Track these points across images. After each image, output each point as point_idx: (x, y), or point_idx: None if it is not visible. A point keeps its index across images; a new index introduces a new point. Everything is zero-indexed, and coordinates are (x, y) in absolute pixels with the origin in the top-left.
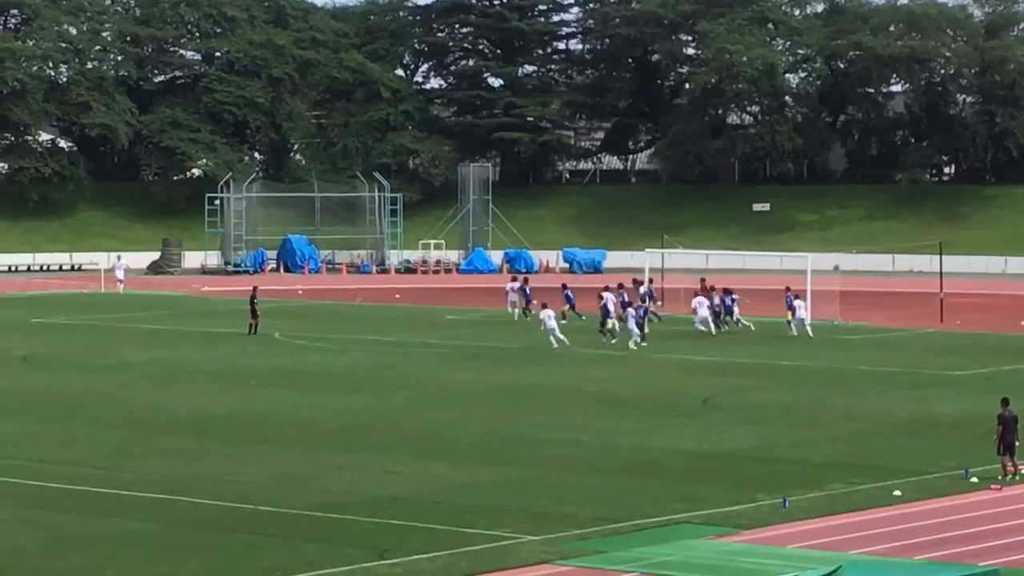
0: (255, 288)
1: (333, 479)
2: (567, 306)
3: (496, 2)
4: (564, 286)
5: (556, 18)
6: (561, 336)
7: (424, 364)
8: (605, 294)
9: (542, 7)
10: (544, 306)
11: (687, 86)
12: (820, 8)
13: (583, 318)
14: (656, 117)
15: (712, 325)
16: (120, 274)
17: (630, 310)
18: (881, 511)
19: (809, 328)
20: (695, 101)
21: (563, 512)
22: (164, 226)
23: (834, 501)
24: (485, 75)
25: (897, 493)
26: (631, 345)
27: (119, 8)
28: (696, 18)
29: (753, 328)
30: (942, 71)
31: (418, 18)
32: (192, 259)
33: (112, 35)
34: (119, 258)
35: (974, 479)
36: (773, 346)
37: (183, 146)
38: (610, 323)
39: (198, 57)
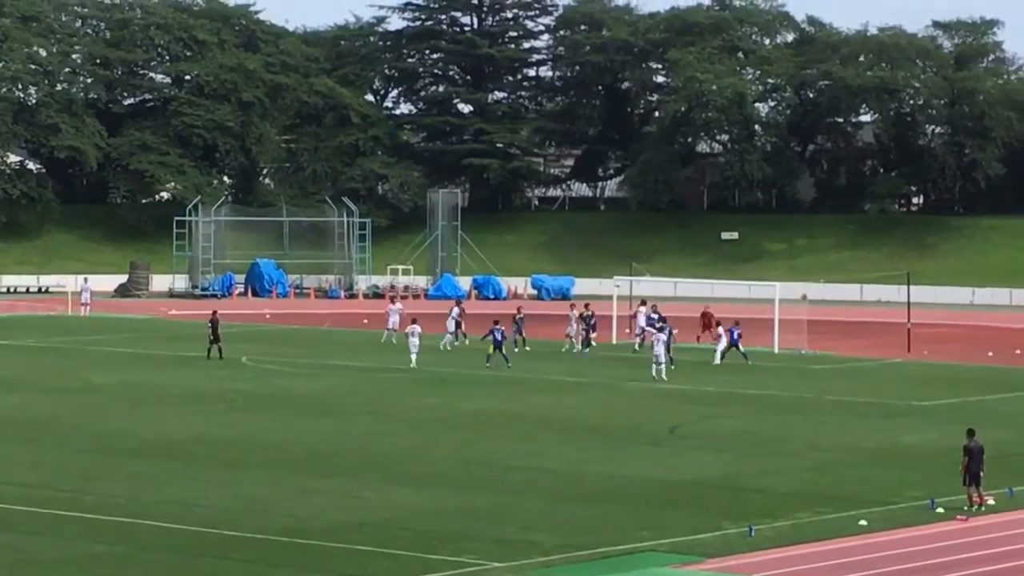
0: (215, 312)
1: (299, 504)
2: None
3: (467, 28)
4: (519, 309)
5: (526, 45)
6: (415, 356)
7: (392, 390)
8: (642, 308)
9: (512, 34)
10: (413, 321)
11: (657, 114)
12: (790, 38)
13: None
14: (625, 145)
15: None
16: (85, 296)
17: (660, 335)
18: (847, 541)
19: (718, 355)
20: (664, 129)
21: (529, 539)
22: (132, 249)
23: (800, 530)
24: (455, 101)
25: (863, 523)
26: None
27: (89, 31)
28: (666, 46)
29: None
30: (911, 102)
31: (388, 43)
32: (160, 282)
33: (82, 57)
34: (85, 281)
35: (940, 509)
36: (741, 375)
37: (152, 169)
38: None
39: (168, 80)
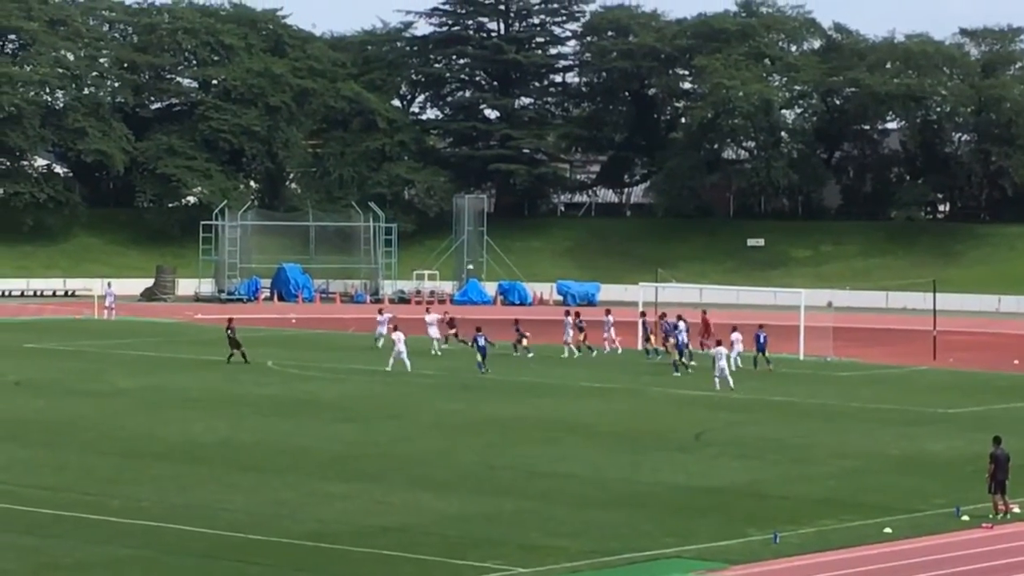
0: (230, 319)
1: (324, 508)
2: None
3: (493, 34)
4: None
5: (553, 51)
6: (403, 359)
7: (416, 394)
8: (679, 323)
9: (539, 40)
10: (395, 328)
11: (683, 120)
12: (817, 45)
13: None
14: (652, 151)
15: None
16: (109, 300)
17: (720, 349)
18: (872, 548)
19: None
20: (691, 135)
21: (554, 545)
22: (158, 253)
23: (825, 538)
24: (482, 107)
25: (888, 530)
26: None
27: (117, 35)
28: (693, 53)
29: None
30: (938, 109)
31: (415, 49)
32: (186, 286)
33: (109, 61)
34: (109, 285)
35: (965, 517)
36: (766, 381)
37: (179, 173)
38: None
39: (195, 85)
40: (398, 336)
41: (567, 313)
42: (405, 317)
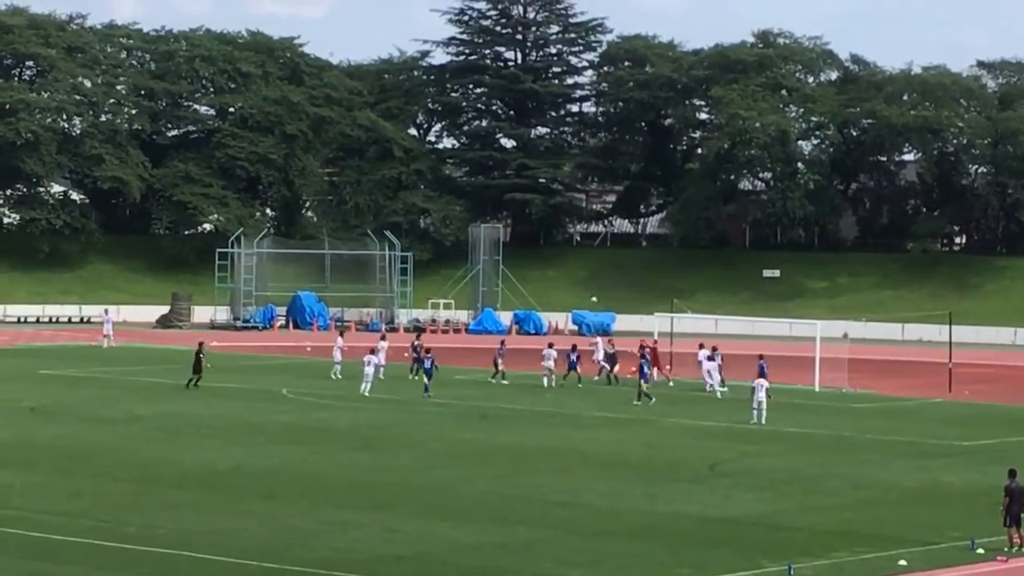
0: (201, 343)
1: (337, 536)
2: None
3: (510, 63)
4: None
5: (570, 81)
6: (369, 384)
7: (431, 423)
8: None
9: (556, 69)
10: (372, 351)
11: (699, 151)
12: (834, 76)
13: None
14: (668, 181)
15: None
16: (107, 328)
17: (762, 380)
18: None
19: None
20: (707, 166)
21: (568, 574)
22: (174, 280)
23: (840, 570)
24: (498, 136)
25: (903, 563)
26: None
27: (134, 62)
28: (709, 83)
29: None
30: (955, 141)
31: (432, 78)
32: (202, 314)
33: (126, 88)
34: (106, 311)
35: (980, 550)
36: (780, 412)
37: (195, 200)
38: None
39: (212, 112)
40: (369, 359)
41: (550, 345)
42: (484, 347)
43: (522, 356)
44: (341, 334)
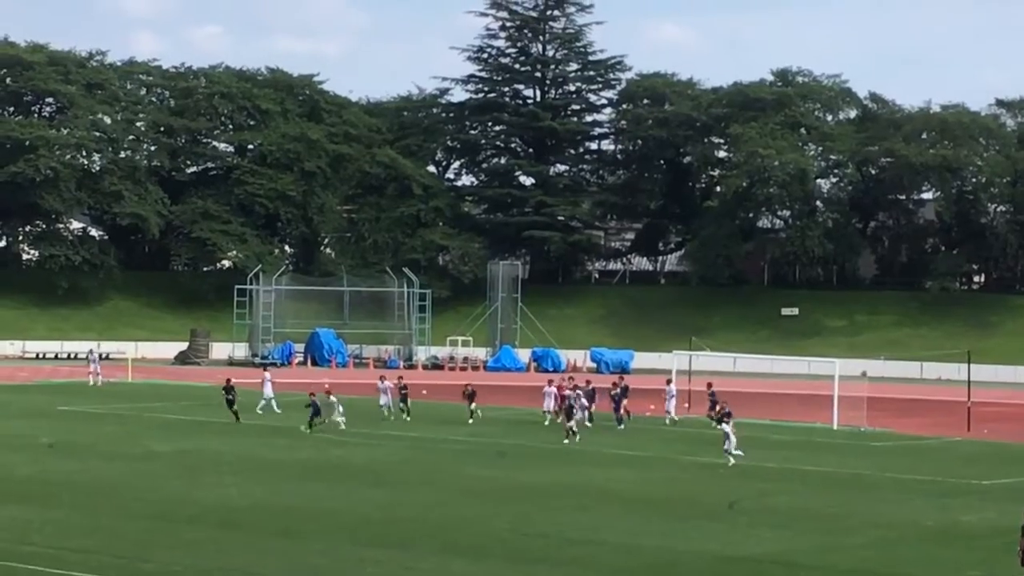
0: (228, 379)
1: (355, 574)
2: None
3: (529, 101)
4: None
5: (589, 118)
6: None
7: (449, 460)
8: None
9: (575, 107)
10: (382, 379)
11: (718, 189)
12: (853, 114)
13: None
14: (687, 219)
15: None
16: (94, 366)
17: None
18: None
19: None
20: (726, 204)
21: None
22: (193, 316)
23: None
24: (517, 173)
25: None
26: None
27: (154, 99)
28: (728, 121)
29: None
30: (974, 180)
31: (451, 115)
32: (220, 350)
33: (146, 125)
34: (90, 352)
35: None
36: (799, 451)
37: (214, 237)
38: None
39: (231, 149)
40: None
41: (550, 382)
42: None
43: (538, 393)
44: (265, 368)
